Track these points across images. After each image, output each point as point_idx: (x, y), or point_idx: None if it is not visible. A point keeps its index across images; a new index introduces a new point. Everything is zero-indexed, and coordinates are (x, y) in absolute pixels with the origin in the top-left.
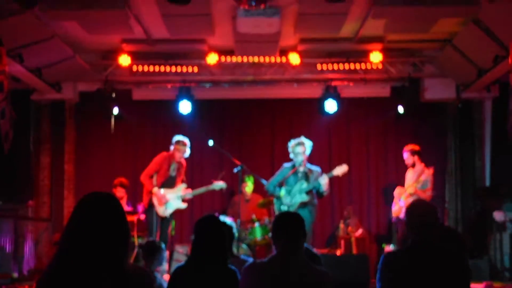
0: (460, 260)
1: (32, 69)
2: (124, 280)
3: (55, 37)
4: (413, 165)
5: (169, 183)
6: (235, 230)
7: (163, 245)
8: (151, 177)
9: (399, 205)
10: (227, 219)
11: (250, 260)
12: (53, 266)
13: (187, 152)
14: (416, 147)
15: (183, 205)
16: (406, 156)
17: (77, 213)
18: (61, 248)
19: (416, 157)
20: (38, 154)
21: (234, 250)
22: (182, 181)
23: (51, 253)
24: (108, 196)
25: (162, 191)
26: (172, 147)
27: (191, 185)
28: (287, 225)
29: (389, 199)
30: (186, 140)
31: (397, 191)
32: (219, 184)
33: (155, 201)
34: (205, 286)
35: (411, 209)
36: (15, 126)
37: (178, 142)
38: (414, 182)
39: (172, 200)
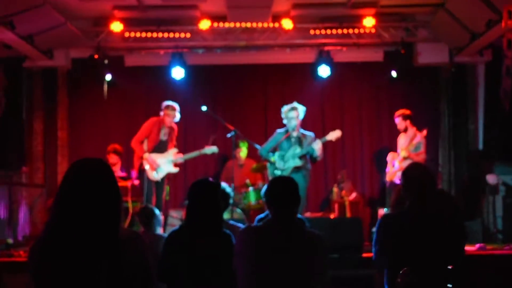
0: (456, 223)
1: (24, 36)
2: (117, 244)
3: (46, 4)
4: (405, 130)
5: (160, 148)
6: (231, 200)
7: (156, 210)
8: (142, 142)
9: (393, 169)
10: (227, 187)
11: (239, 225)
12: (45, 233)
13: (177, 116)
14: (407, 111)
15: (175, 169)
16: (398, 121)
17: (68, 179)
18: (52, 215)
19: (408, 122)
20: (31, 121)
21: (226, 215)
22: (174, 146)
23: (45, 220)
24: (98, 162)
25: (153, 156)
26: (161, 112)
27: (184, 150)
28: (281, 190)
29: (383, 164)
30: (176, 105)
31: (390, 155)
32: (211, 149)
33: (146, 166)
34: (200, 250)
35: (408, 172)
36: (7, 93)
37: (167, 107)
38: (407, 145)
39: (163, 164)
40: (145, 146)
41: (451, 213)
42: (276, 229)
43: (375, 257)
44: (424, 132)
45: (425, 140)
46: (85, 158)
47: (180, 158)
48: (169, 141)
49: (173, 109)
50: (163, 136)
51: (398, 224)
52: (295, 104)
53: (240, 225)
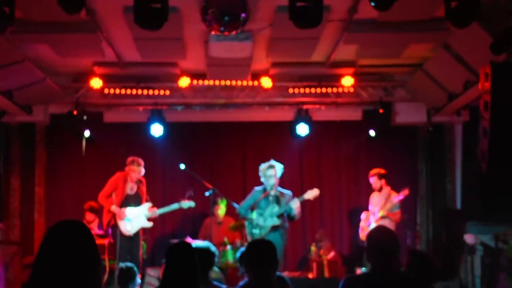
0: (421, 286)
1: (3, 91)
2: None
3: (26, 60)
4: (380, 189)
5: (128, 202)
6: (216, 259)
7: (135, 271)
8: (108, 196)
9: (369, 229)
10: (212, 246)
11: (223, 287)
12: None
13: (142, 171)
14: (382, 171)
15: (148, 224)
16: (373, 180)
17: (46, 242)
18: (32, 279)
19: (383, 181)
20: (8, 176)
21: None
22: (146, 200)
23: (21, 277)
24: (77, 224)
25: (122, 208)
26: (126, 168)
27: (163, 207)
28: (259, 253)
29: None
30: (140, 160)
31: (364, 214)
32: (187, 203)
33: (118, 220)
34: None
35: (371, 236)
36: None
37: (132, 161)
38: (384, 205)
39: (135, 218)
40: (113, 200)
41: (417, 277)
42: None
43: None
44: (406, 191)
45: (400, 200)
46: (64, 220)
47: (154, 212)
48: (141, 195)
49: (138, 164)
50: (129, 190)
51: (359, 285)
52: (272, 162)
53: (223, 286)
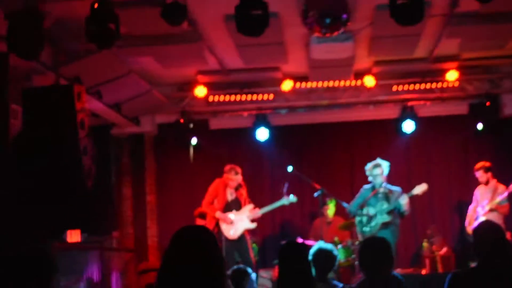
0: None
1: (111, 104)
2: None
3: (131, 73)
4: (487, 182)
5: (230, 207)
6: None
7: (249, 269)
8: (211, 203)
9: (476, 223)
10: (335, 249)
11: (340, 285)
12: None
13: (239, 179)
14: (488, 164)
15: (252, 225)
16: (480, 174)
17: (173, 246)
18: (159, 282)
19: (489, 174)
20: (120, 186)
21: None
22: (248, 202)
23: (137, 283)
24: (202, 229)
25: (226, 214)
26: (224, 176)
27: (273, 213)
28: (373, 251)
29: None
30: (238, 167)
31: (471, 209)
32: (289, 199)
33: (222, 225)
34: None
35: (477, 231)
36: (96, 161)
37: (230, 170)
38: (492, 198)
39: (238, 221)
40: (216, 206)
41: None
42: None
43: None
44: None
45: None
46: (188, 226)
47: (257, 212)
48: (240, 199)
49: (236, 172)
50: (229, 195)
51: (467, 282)
52: (378, 160)
53: (340, 284)
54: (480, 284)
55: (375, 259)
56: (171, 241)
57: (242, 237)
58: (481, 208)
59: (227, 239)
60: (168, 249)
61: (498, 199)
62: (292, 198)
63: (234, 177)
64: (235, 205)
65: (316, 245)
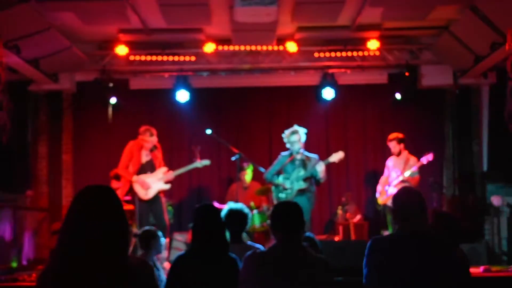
0: (448, 248)
1: (29, 60)
2: (125, 272)
3: (51, 28)
4: (399, 153)
5: (144, 169)
6: (249, 219)
7: (159, 232)
8: (127, 167)
9: (387, 194)
10: (245, 208)
11: (256, 245)
12: (53, 261)
13: (155, 140)
14: (401, 135)
15: (166, 186)
16: (393, 144)
17: (74, 206)
18: (60, 242)
19: (402, 145)
20: (36, 145)
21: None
22: (162, 165)
23: (50, 243)
24: (106, 189)
25: (142, 177)
26: (139, 137)
27: (189, 173)
28: (286, 214)
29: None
30: (153, 129)
31: (383, 179)
32: (202, 162)
33: (137, 188)
34: (207, 275)
35: (397, 198)
36: (12, 117)
37: (145, 131)
38: (404, 169)
39: (153, 183)
40: (130, 169)
41: (445, 238)
42: (281, 254)
43: (365, 280)
44: (430, 156)
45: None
46: (91, 185)
47: (171, 174)
48: (155, 161)
49: (152, 134)
50: (144, 157)
51: (386, 247)
52: (295, 127)
53: (259, 246)
54: (400, 249)
55: (286, 222)
56: (73, 200)
57: (156, 199)
58: (393, 179)
59: (141, 201)
60: (70, 207)
61: (410, 171)
62: (205, 161)
63: (149, 138)
64: (150, 167)
65: (226, 207)
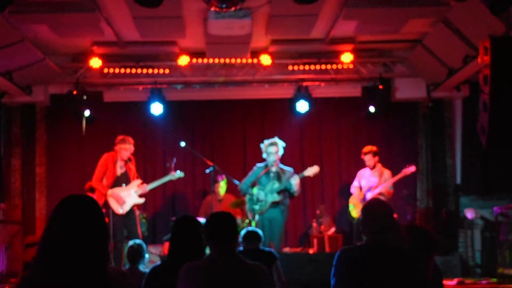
0: (415, 260)
1: (3, 72)
2: (105, 282)
3: (25, 40)
4: (374, 166)
5: (119, 182)
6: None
7: (144, 247)
8: (101, 180)
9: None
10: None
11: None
12: (32, 272)
13: (132, 149)
14: (375, 148)
15: (140, 200)
16: (368, 157)
17: (57, 216)
18: (40, 252)
19: (377, 158)
20: (9, 157)
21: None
22: (136, 177)
23: (23, 256)
24: (87, 198)
25: (117, 190)
26: (116, 147)
27: (164, 185)
28: (218, 225)
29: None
30: (130, 138)
31: (356, 192)
32: (176, 174)
33: (111, 202)
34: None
35: (366, 209)
36: None
37: (121, 140)
38: (379, 183)
39: (127, 197)
40: (104, 182)
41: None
42: (215, 264)
43: None
44: (413, 168)
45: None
46: (73, 195)
47: (145, 188)
48: (129, 173)
49: (129, 142)
50: (119, 169)
51: (354, 258)
52: (275, 139)
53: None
54: (367, 260)
55: (219, 232)
56: (55, 209)
57: (130, 212)
58: (370, 193)
59: (115, 214)
60: (51, 216)
61: (389, 185)
62: (179, 173)
63: (128, 146)
64: (124, 180)
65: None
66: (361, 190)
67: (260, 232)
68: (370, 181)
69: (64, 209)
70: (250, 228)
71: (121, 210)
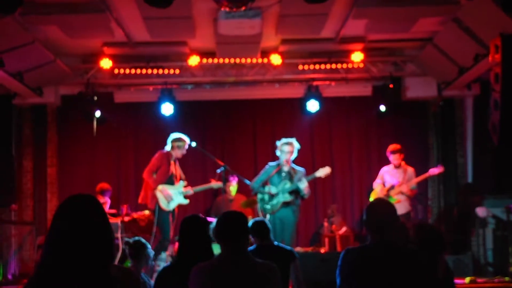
0: (418, 260)
1: (14, 73)
2: (109, 282)
3: (36, 42)
4: (399, 164)
5: (170, 181)
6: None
7: (147, 244)
8: (153, 173)
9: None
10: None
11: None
12: (38, 273)
13: (186, 148)
14: (399, 146)
15: (185, 201)
16: (396, 156)
17: (59, 216)
18: (44, 253)
19: (402, 156)
20: (21, 158)
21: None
22: (182, 179)
23: (35, 257)
24: (89, 198)
25: (167, 187)
26: (169, 145)
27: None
28: (229, 224)
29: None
30: (185, 137)
31: (378, 188)
32: (218, 184)
33: (159, 197)
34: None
35: (369, 209)
36: None
37: (177, 139)
38: (404, 182)
39: (174, 196)
40: (156, 178)
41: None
42: (226, 264)
43: None
44: (442, 168)
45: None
46: (76, 195)
47: (190, 190)
48: (177, 174)
49: (184, 141)
50: (172, 168)
51: (359, 258)
52: (292, 140)
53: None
54: (372, 259)
55: (229, 231)
56: (57, 209)
57: (173, 212)
58: (392, 189)
59: (161, 209)
60: (54, 216)
61: (413, 184)
62: (220, 184)
63: (182, 144)
64: (173, 179)
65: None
66: (384, 186)
67: (267, 221)
68: (393, 179)
69: (66, 208)
70: (257, 219)
71: (168, 206)
